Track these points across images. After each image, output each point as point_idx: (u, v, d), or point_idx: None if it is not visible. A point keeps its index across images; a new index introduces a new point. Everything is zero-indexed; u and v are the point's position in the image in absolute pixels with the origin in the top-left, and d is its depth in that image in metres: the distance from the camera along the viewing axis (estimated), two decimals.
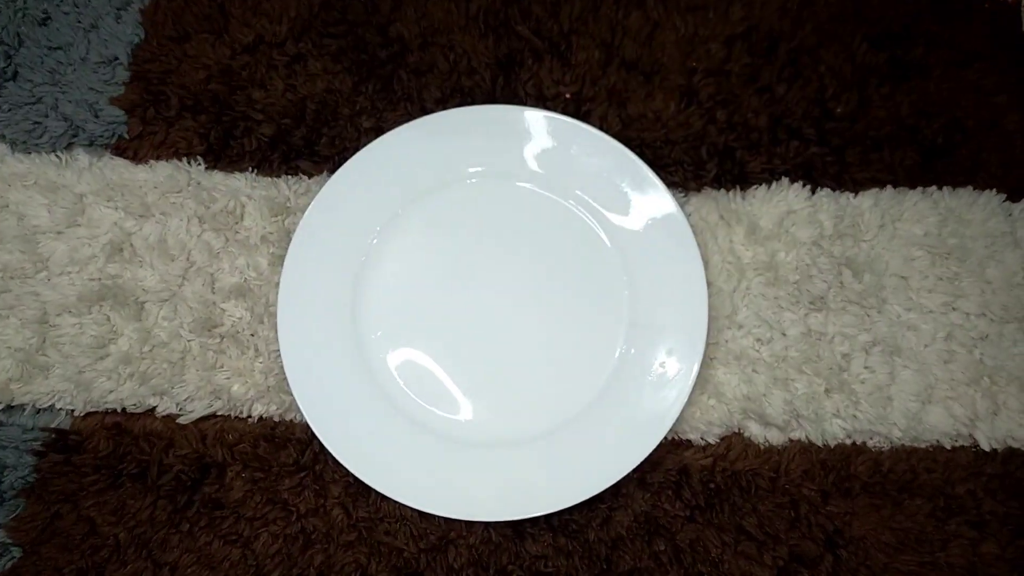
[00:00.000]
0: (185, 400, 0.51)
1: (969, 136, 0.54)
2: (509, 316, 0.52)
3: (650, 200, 0.53)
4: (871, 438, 0.51)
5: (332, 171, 0.55)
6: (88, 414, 0.51)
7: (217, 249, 0.54)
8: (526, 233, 0.53)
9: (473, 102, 0.55)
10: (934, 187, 0.54)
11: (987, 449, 0.51)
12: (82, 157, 0.55)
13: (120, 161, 0.55)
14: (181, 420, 0.51)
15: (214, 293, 0.53)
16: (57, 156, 0.55)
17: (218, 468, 0.50)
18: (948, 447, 0.51)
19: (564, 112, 0.54)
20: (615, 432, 0.50)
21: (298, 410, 0.50)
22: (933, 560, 0.49)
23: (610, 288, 0.53)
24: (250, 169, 0.55)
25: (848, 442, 0.51)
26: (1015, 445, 0.51)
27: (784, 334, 0.53)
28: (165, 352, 0.52)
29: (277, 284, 0.52)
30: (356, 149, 0.55)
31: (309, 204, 0.53)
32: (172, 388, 0.51)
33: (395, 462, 0.49)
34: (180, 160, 0.55)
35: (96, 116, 0.56)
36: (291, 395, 0.50)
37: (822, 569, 0.49)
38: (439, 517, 0.48)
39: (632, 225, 0.53)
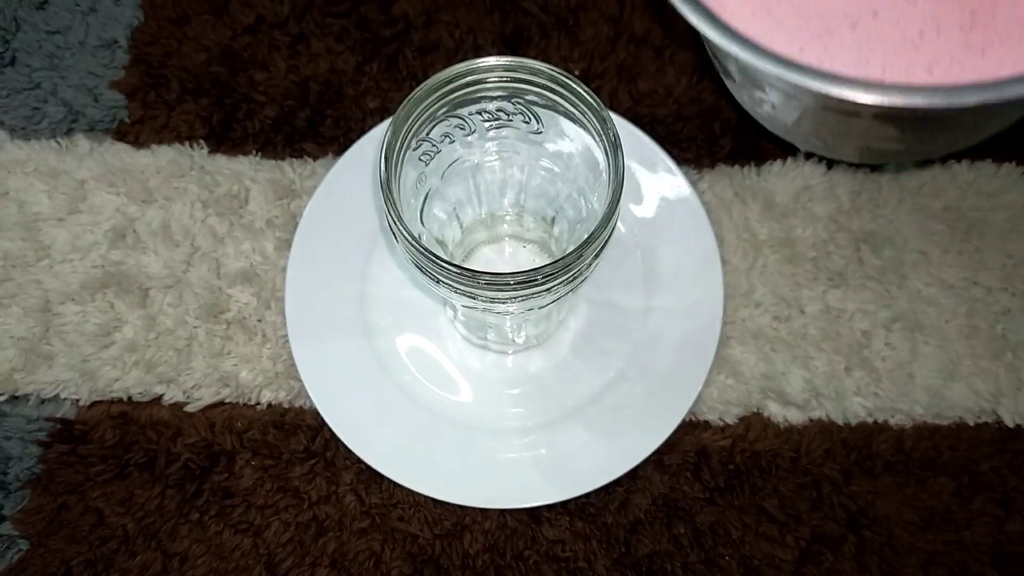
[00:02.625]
0: (192, 388, 0.50)
1: None
2: None
3: (662, 180, 0.52)
4: (893, 416, 0.50)
5: (337, 153, 0.54)
6: (94, 403, 0.50)
7: (222, 234, 0.52)
8: None
9: None
10: (953, 160, 0.53)
11: (1011, 425, 0.50)
12: (82, 142, 0.54)
13: (121, 146, 0.54)
14: (188, 408, 0.50)
15: (220, 278, 0.52)
16: (57, 142, 0.54)
17: (227, 456, 0.49)
18: (971, 424, 0.50)
19: None
20: (632, 415, 0.49)
21: (308, 396, 0.49)
22: (958, 539, 0.48)
23: (624, 270, 0.52)
24: (254, 152, 0.54)
25: (870, 420, 0.50)
26: None
27: (802, 311, 0.52)
28: (171, 339, 0.51)
29: (284, 269, 0.52)
30: (361, 130, 0.54)
31: (315, 187, 0.52)
32: (179, 376, 0.50)
33: (407, 448, 0.48)
34: (182, 144, 0.54)
35: (96, 101, 0.55)
36: (300, 381, 0.49)
37: (845, 550, 0.48)
38: (454, 503, 0.48)
39: (644, 205, 0.52)
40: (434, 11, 0.57)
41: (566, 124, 0.40)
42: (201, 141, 0.55)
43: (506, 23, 0.57)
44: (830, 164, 0.53)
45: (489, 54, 0.55)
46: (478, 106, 0.40)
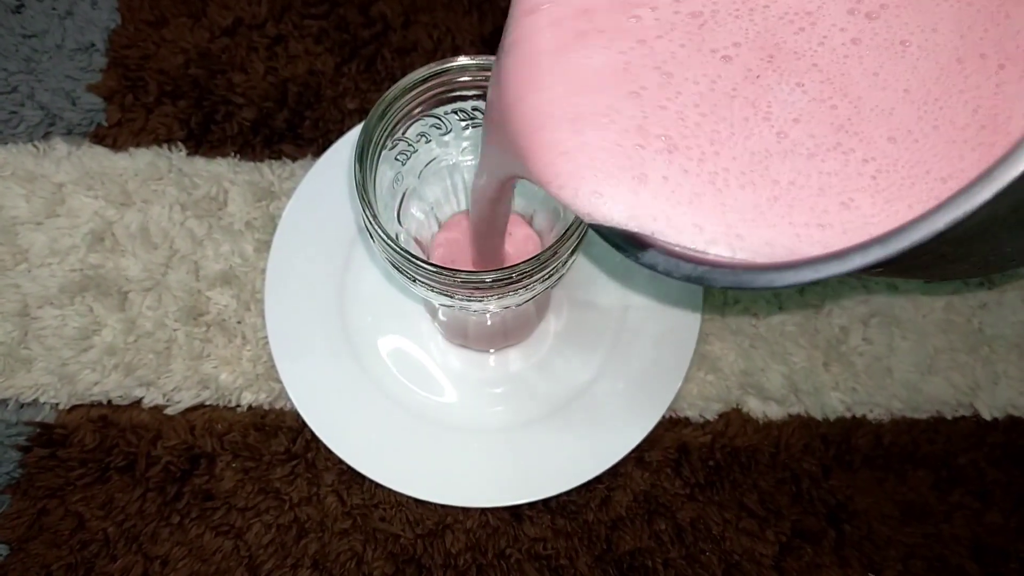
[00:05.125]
0: (172, 390, 0.50)
1: None
2: None
3: None
4: (871, 410, 0.51)
5: (316, 154, 0.54)
6: (73, 407, 0.50)
7: (201, 236, 0.52)
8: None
9: None
10: None
11: (988, 419, 0.51)
12: (60, 146, 0.54)
13: (99, 149, 0.54)
14: (168, 411, 0.49)
15: (199, 281, 0.52)
16: (34, 146, 0.54)
17: (208, 459, 0.49)
18: (949, 417, 0.51)
19: None
20: (612, 412, 0.49)
21: (288, 398, 0.49)
22: (937, 531, 0.48)
23: (603, 267, 0.52)
24: (232, 154, 0.54)
25: (848, 415, 0.51)
26: (1016, 414, 0.51)
27: (781, 308, 0.52)
28: (150, 342, 0.50)
29: (263, 270, 0.51)
30: (340, 131, 0.54)
31: (294, 188, 0.52)
32: (158, 379, 0.50)
33: (388, 449, 0.48)
34: (160, 147, 0.54)
35: (73, 104, 0.55)
36: (280, 383, 0.49)
37: (825, 544, 0.48)
38: (435, 503, 0.48)
39: None
40: (412, 12, 0.57)
41: None
42: (179, 143, 0.54)
43: (484, 23, 0.57)
44: None
45: (468, 54, 0.55)
46: (454, 105, 0.40)
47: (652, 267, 0.24)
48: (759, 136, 0.25)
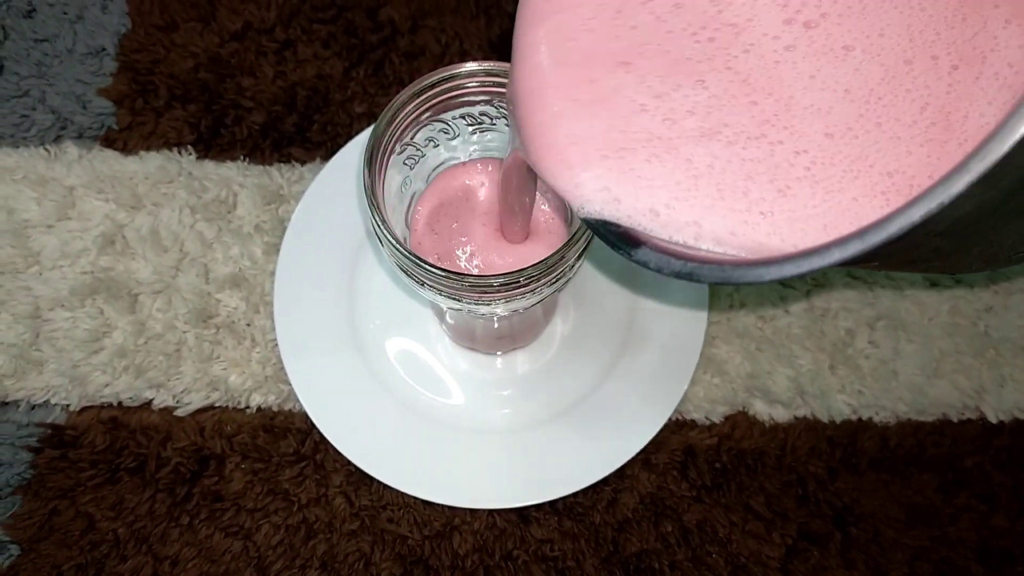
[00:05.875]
0: (182, 392, 0.50)
1: None
2: None
3: None
4: (877, 413, 0.51)
5: (325, 158, 0.54)
6: (84, 408, 0.50)
7: (210, 239, 0.53)
8: None
9: None
10: None
11: (994, 421, 0.51)
12: (71, 149, 0.54)
13: (110, 153, 0.55)
14: (178, 413, 0.50)
15: (208, 283, 0.52)
16: (46, 149, 0.54)
17: (217, 460, 0.49)
18: (955, 420, 0.51)
19: None
20: (619, 415, 0.49)
21: (297, 399, 0.49)
22: (943, 534, 0.49)
23: (609, 271, 0.52)
24: (242, 158, 0.55)
25: (854, 418, 0.51)
26: (1022, 417, 0.51)
27: (787, 311, 0.52)
28: (160, 344, 0.51)
29: (272, 273, 0.52)
30: (348, 135, 0.55)
31: (302, 192, 0.53)
32: (168, 380, 0.50)
33: (396, 450, 0.49)
34: (170, 150, 0.55)
35: (84, 108, 0.55)
36: (289, 384, 0.49)
37: (831, 546, 0.48)
38: (443, 504, 0.48)
39: None
40: (420, 17, 0.57)
41: None
42: (189, 147, 0.55)
43: (492, 28, 0.57)
44: None
45: (475, 59, 0.55)
46: (462, 110, 0.40)
47: (644, 264, 0.26)
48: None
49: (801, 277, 0.23)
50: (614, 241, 0.27)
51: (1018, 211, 0.21)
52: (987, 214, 0.20)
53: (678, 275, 0.25)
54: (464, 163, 0.43)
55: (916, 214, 0.18)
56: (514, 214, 0.39)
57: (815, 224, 0.25)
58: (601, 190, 0.27)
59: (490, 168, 0.43)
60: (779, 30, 0.27)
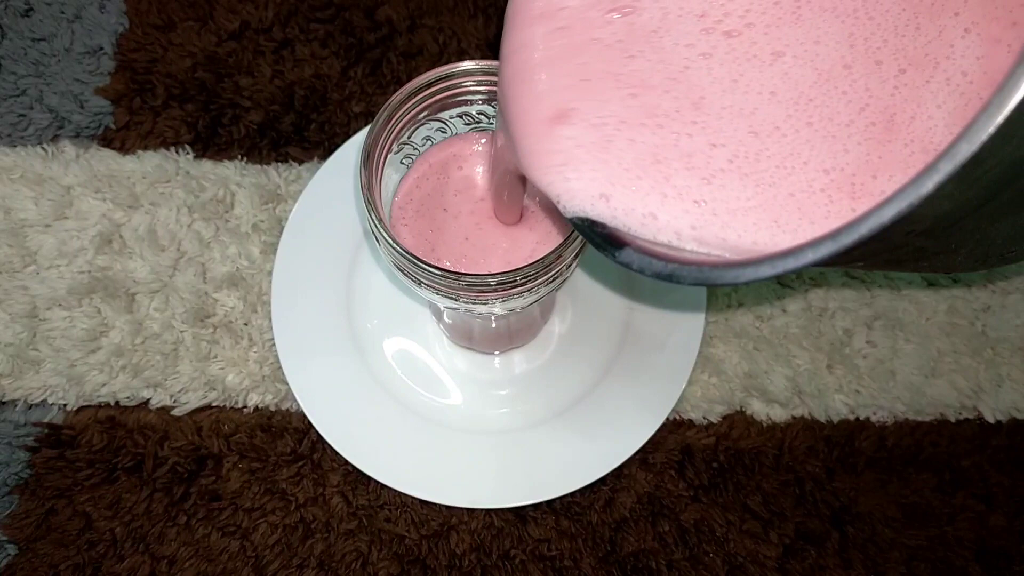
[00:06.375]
0: (179, 392, 0.50)
1: None
2: None
3: None
4: (875, 413, 0.51)
5: (323, 157, 0.54)
6: (81, 408, 0.50)
7: (208, 238, 0.53)
8: None
9: None
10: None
11: (991, 421, 0.51)
12: (68, 149, 0.54)
13: (107, 152, 0.55)
14: (176, 412, 0.50)
15: (206, 283, 0.52)
16: (43, 148, 0.54)
17: (214, 459, 0.49)
18: (952, 420, 0.51)
19: None
20: (616, 414, 0.49)
21: (294, 399, 0.49)
22: (940, 534, 0.49)
23: (607, 270, 0.52)
24: (239, 157, 0.55)
25: (851, 417, 0.51)
26: (1020, 417, 0.51)
27: (784, 310, 0.52)
28: (158, 344, 0.51)
29: (269, 272, 0.52)
30: (346, 134, 0.55)
31: (300, 191, 0.53)
32: (166, 380, 0.50)
33: (394, 450, 0.49)
34: (168, 149, 0.55)
35: (82, 107, 0.55)
36: (286, 384, 0.49)
37: (829, 546, 0.48)
38: (440, 504, 0.48)
39: None
40: (418, 16, 0.57)
41: None
42: (187, 146, 0.55)
43: (489, 27, 0.57)
44: None
45: (473, 58, 0.55)
46: (459, 109, 0.40)
47: (627, 265, 0.27)
48: None
49: (778, 278, 0.24)
50: (599, 242, 0.28)
51: (1003, 211, 0.21)
52: (969, 214, 0.20)
53: (659, 276, 0.26)
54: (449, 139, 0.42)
55: (887, 215, 0.19)
56: (503, 200, 0.39)
57: (762, 217, 0.26)
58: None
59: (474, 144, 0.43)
60: (695, 39, 0.29)
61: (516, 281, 0.35)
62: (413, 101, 0.38)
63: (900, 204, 0.19)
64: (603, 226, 0.28)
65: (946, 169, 0.18)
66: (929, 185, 0.18)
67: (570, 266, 0.38)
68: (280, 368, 0.50)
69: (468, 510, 0.48)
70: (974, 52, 0.26)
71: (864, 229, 0.19)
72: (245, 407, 0.50)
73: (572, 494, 0.48)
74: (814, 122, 0.27)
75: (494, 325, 0.49)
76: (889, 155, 0.26)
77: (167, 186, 0.54)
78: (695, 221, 0.27)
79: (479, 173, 0.42)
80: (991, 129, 0.17)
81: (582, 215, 0.28)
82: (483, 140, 0.42)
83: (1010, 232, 0.24)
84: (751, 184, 0.27)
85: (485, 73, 0.38)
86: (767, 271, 0.22)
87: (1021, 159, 0.18)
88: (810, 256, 0.21)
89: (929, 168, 0.18)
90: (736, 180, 0.27)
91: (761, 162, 0.27)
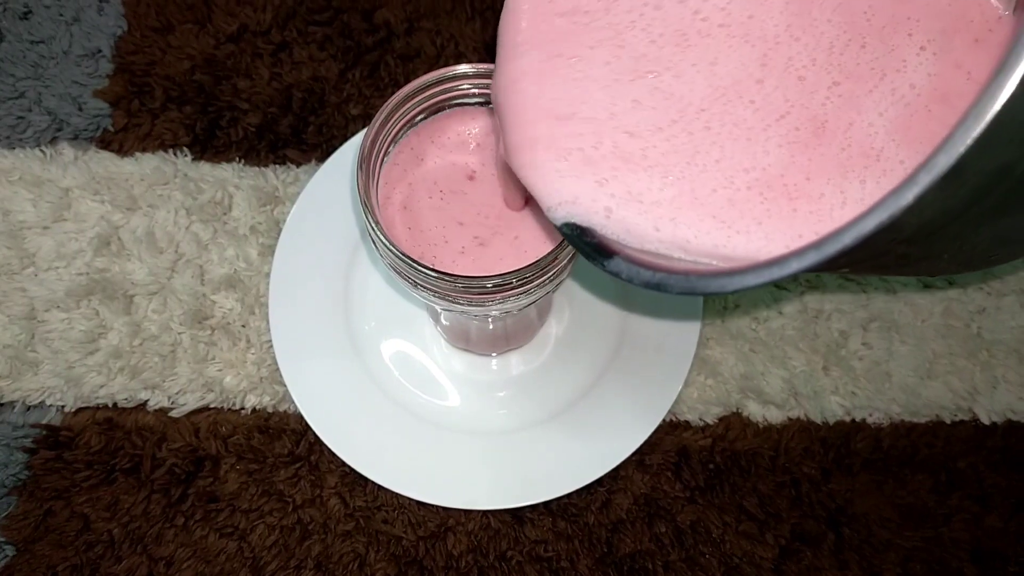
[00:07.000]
0: (177, 393, 0.50)
1: None
2: None
3: None
4: (870, 414, 0.51)
5: (320, 160, 0.55)
6: (79, 409, 0.50)
7: (206, 240, 0.53)
8: None
9: None
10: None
11: (987, 423, 0.51)
12: (67, 151, 0.55)
13: (105, 154, 0.55)
14: (173, 414, 0.50)
15: (204, 285, 0.52)
16: (41, 151, 0.55)
17: (212, 461, 0.49)
18: (948, 421, 0.51)
19: None
20: (613, 416, 0.49)
21: (292, 401, 0.49)
22: (936, 535, 0.49)
23: (603, 272, 0.52)
24: (237, 159, 0.55)
25: (847, 419, 0.51)
26: (1015, 418, 0.51)
27: (780, 312, 0.52)
28: (156, 345, 0.51)
29: (267, 275, 0.52)
30: (344, 137, 0.55)
31: (298, 193, 0.53)
32: (164, 381, 0.50)
33: (391, 451, 0.49)
34: (166, 152, 0.55)
35: (80, 109, 0.56)
36: (284, 386, 0.49)
37: (825, 547, 0.48)
38: (437, 505, 0.48)
39: None
40: (416, 19, 0.58)
41: None
42: (185, 149, 0.55)
43: (487, 30, 0.57)
44: None
45: (471, 61, 0.55)
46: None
47: (616, 274, 0.28)
48: None
49: (763, 287, 0.25)
50: (588, 251, 0.29)
51: (985, 217, 0.22)
52: (952, 221, 0.21)
53: (648, 285, 0.26)
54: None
55: (868, 225, 0.20)
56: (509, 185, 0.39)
57: (701, 213, 0.28)
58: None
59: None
60: (610, 56, 0.32)
61: (512, 283, 0.35)
62: (410, 104, 0.38)
63: (881, 215, 0.19)
64: (592, 235, 0.29)
65: (925, 181, 0.18)
66: (909, 196, 0.19)
67: (566, 268, 0.38)
68: (278, 370, 0.50)
69: (465, 511, 0.48)
70: (927, 69, 0.28)
71: (847, 239, 0.20)
72: (243, 409, 0.50)
73: (569, 495, 0.48)
74: (712, 127, 0.29)
75: (491, 327, 0.49)
76: (821, 158, 0.28)
77: (165, 188, 0.54)
78: (630, 213, 0.29)
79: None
80: (969, 141, 0.17)
81: (569, 219, 0.29)
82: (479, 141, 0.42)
83: (993, 236, 0.25)
84: (658, 176, 0.29)
85: (481, 76, 0.38)
86: (752, 280, 0.23)
87: (1001, 168, 0.19)
88: (795, 265, 0.22)
89: (909, 180, 0.19)
90: (644, 172, 0.30)
91: (670, 156, 0.29)
